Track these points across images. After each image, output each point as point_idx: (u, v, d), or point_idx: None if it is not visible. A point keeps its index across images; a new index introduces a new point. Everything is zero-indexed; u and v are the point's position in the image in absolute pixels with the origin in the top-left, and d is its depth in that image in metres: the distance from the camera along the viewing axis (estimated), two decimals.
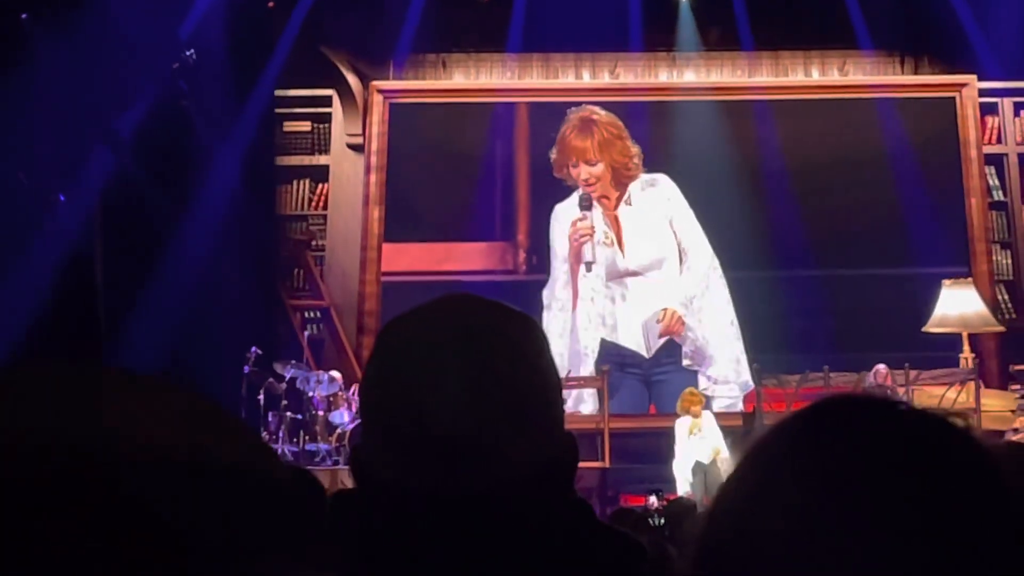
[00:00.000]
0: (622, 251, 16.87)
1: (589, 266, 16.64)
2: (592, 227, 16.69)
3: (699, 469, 13.67)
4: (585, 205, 16.74)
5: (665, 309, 16.84)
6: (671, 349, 16.92)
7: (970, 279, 15.29)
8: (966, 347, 14.95)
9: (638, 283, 16.94)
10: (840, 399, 1.13)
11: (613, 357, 16.76)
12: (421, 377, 1.70)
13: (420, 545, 1.68)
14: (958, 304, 14.88)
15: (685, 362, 16.83)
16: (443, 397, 1.68)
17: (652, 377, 16.86)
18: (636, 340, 16.90)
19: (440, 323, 1.78)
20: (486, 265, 17.35)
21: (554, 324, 16.80)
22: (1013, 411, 15.26)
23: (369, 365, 1.82)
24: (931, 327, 14.98)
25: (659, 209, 17.09)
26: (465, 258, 17.41)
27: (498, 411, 1.69)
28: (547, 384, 1.79)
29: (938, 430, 1.08)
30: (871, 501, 1.01)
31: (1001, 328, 15.74)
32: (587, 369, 16.68)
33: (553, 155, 17.30)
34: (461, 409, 1.67)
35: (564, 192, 17.28)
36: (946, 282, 15.06)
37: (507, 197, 17.83)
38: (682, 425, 14.23)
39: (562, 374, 15.87)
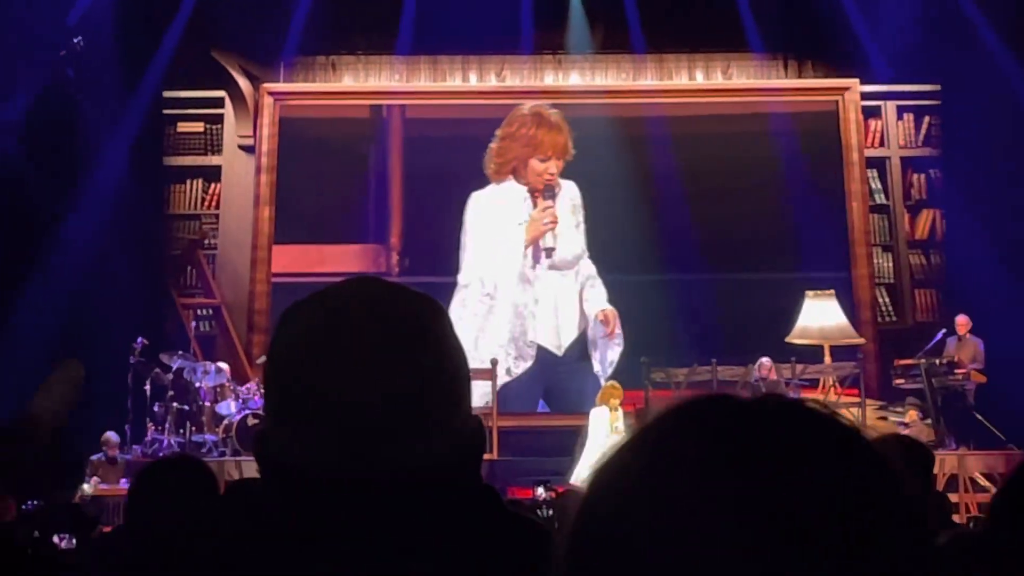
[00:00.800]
0: (555, 245, 17.59)
1: (550, 252, 17.41)
2: (556, 217, 17.50)
3: None
4: (549, 195, 17.54)
5: (604, 311, 17.49)
6: (579, 350, 17.64)
7: (832, 291, 15.70)
8: (827, 358, 15.43)
9: (552, 279, 17.72)
10: (705, 396, 1.14)
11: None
12: (333, 361, 1.73)
13: (333, 529, 1.71)
14: (819, 316, 15.40)
15: (596, 367, 17.45)
16: (357, 381, 1.71)
17: (556, 375, 17.56)
18: (549, 337, 17.64)
19: (349, 306, 1.80)
20: (359, 267, 17.94)
21: (476, 306, 17.58)
22: (885, 417, 16.00)
23: (275, 348, 1.82)
24: (793, 338, 15.49)
25: (570, 211, 17.93)
26: (339, 260, 17.96)
27: (412, 395, 1.72)
28: (457, 367, 1.82)
29: (805, 419, 1.09)
30: (738, 494, 1.01)
31: (861, 340, 16.34)
32: (531, 356, 17.51)
33: (501, 147, 17.95)
34: (375, 393, 1.70)
35: (441, 192, 18.06)
36: (808, 294, 15.57)
37: (380, 200, 18.51)
38: (599, 417, 14.64)
39: (501, 360, 16.60)
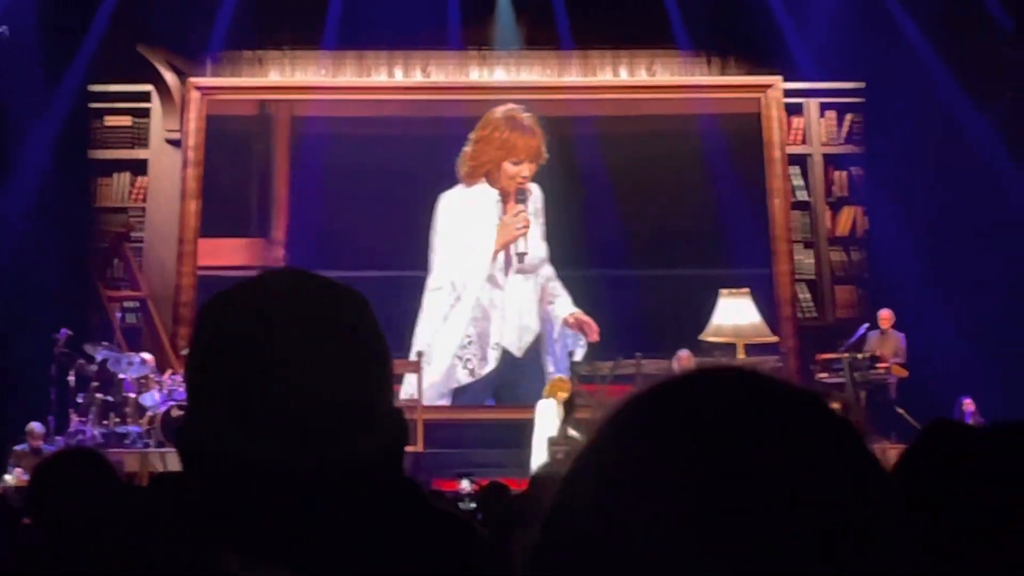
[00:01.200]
0: (527, 251, 18.04)
1: (521, 257, 17.85)
2: (528, 222, 17.95)
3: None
4: (521, 199, 18.00)
5: (574, 314, 18.00)
6: (535, 350, 18.10)
7: (746, 290, 15.67)
8: (741, 355, 15.30)
9: (518, 282, 18.19)
10: (690, 373, 1.10)
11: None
12: (255, 353, 1.72)
13: (252, 522, 1.70)
14: (733, 315, 15.34)
15: (550, 368, 17.81)
16: (279, 374, 1.70)
17: (510, 375, 18.02)
18: (511, 339, 18.09)
19: (272, 298, 1.80)
20: (245, 260, 18.28)
21: (447, 309, 18.04)
22: None
23: (197, 340, 1.80)
24: (707, 336, 15.48)
25: (534, 215, 18.35)
26: (224, 254, 18.35)
27: (335, 388, 1.73)
28: (380, 360, 1.82)
29: (807, 404, 1.06)
30: (726, 488, 0.98)
31: (775, 339, 16.44)
32: (496, 357, 17.98)
33: (475, 151, 18.40)
34: (297, 386, 1.70)
35: (330, 186, 18.42)
36: (723, 292, 15.54)
37: (264, 194, 18.92)
38: (547, 409, 15.06)
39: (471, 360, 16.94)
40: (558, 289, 18.27)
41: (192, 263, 18.27)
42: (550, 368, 17.84)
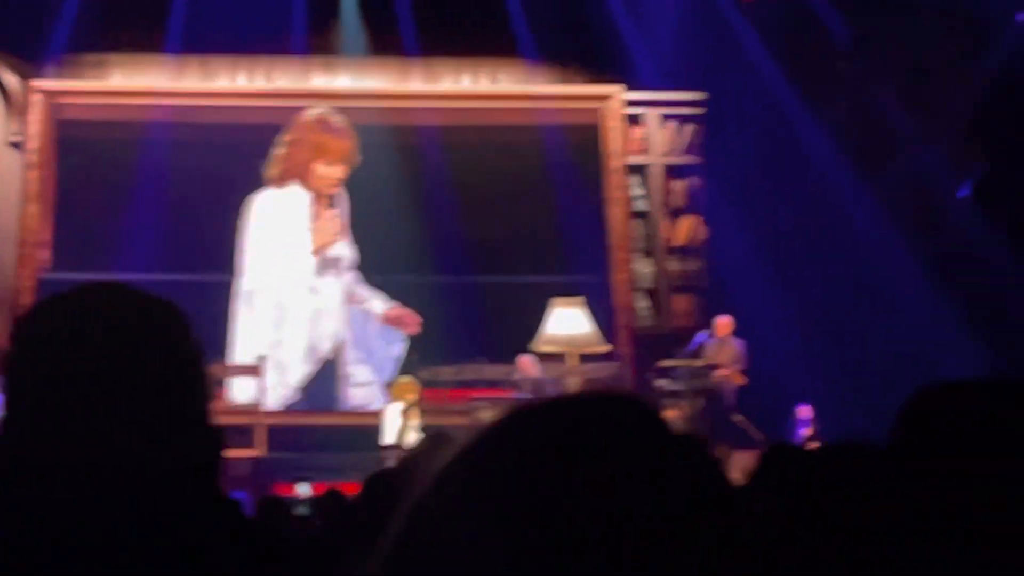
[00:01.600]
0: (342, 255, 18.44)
1: (337, 262, 18.18)
2: (342, 226, 18.30)
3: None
4: (334, 203, 18.29)
5: (392, 308, 18.44)
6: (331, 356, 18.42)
7: (580, 299, 15.92)
8: (573, 364, 15.71)
9: (329, 285, 18.50)
10: (557, 398, 1.15)
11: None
12: (67, 364, 1.76)
13: (57, 527, 1.70)
14: (566, 324, 15.58)
15: (350, 368, 18.31)
16: (86, 383, 1.74)
17: (313, 376, 18.29)
18: (325, 342, 18.40)
19: (85, 313, 1.83)
20: None
21: (267, 314, 18.25)
22: None
23: (13, 350, 1.85)
24: (539, 346, 15.81)
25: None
26: None
27: (143, 403, 1.76)
28: (189, 368, 1.86)
29: (660, 427, 1.11)
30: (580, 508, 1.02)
31: (609, 347, 16.69)
32: (318, 360, 18.28)
33: (288, 152, 18.62)
34: (104, 395, 1.74)
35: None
36: (555, 301, 15.82)
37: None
38: (394, 412, 15.27)
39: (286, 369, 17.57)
40: (366, 290, 18.65)
41: (33, 267, 18.26)
42: (349, 370, 18.29)
